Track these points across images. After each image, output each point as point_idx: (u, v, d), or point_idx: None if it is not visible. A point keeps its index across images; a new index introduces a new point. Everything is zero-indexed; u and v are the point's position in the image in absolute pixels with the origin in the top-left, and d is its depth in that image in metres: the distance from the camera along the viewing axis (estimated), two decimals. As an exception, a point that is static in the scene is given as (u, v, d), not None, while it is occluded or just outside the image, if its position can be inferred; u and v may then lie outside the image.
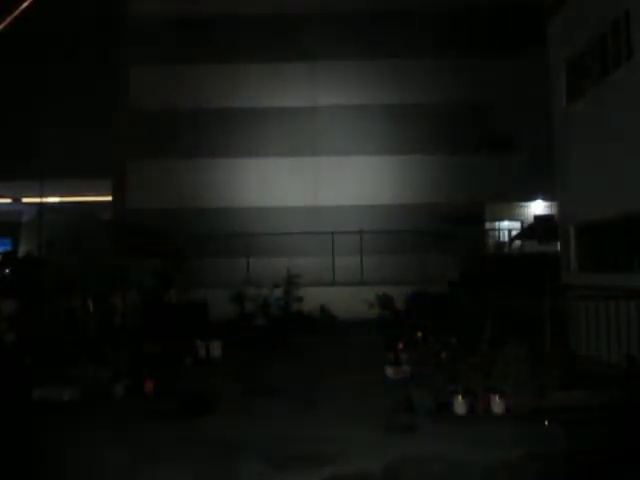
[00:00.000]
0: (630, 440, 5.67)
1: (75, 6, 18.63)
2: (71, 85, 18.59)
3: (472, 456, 5.30)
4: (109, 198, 19.96)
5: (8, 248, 16.96)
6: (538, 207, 19.65)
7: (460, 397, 6.66)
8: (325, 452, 5.45)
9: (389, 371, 8.83)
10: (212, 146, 19.29)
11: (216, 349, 10.83)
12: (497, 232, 20.02)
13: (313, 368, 9.75)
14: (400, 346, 8.91)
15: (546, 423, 6.19)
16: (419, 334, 8.42)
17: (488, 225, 19.46)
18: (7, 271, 10.22)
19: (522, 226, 19.54)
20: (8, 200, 18.30)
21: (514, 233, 19.45)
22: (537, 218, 18.90)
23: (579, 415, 6.34)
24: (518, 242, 19.37)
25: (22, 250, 15.78)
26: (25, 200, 18.46)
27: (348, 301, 16.00)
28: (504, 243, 19.73)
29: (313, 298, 15.91)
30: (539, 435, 5.90)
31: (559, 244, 13.04)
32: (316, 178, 19.36)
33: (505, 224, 19.99)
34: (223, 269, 17.26)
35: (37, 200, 14.17)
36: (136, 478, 5.06)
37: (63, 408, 7.27)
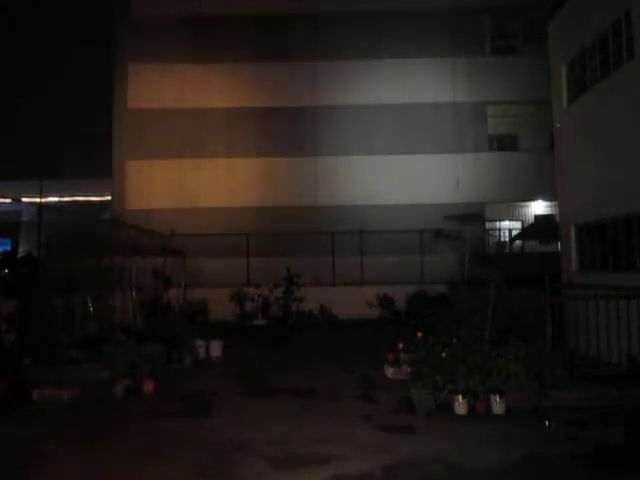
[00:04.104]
0: (630, 439, 5.67)
1: (75, 7, 18.64)
2: (71, 85, 18.61)
3: (472, 456, 5.30)
4: (109, 198, 19.98)
5: (8, 248, 16.93)
6: (538, 207, 19.66)
7: (460, 397, 6.66)
8: (323, 453, 5.45)
9: (389, 371, 8.83)
10: (212, 146, 19.27)
11: (216, 349, 10.83)
12: (497, 232, 20.01)
13: (313, 369, 9.75)
14: (400, 346, 8.90)
15: (546, 423, 6.18)
16: (419, 334, 8.40)
17: (488, 225, 19.44)
18: (7, 271, 10.20)
19: (522, 226, 19.53)
20: (8, 200, 18.29)
21: (514, 233, 19.44)
22: (537, 218, 18.90)
23: (579, 415, 6.34)
24: (519, 242, 19.37)
25: (22, 250, 15.76)
26: (25, 200, 18.47)
27: (348, 301, 15.99)
28: (505, 243, 19.72)
29: (313, 298, 15.90)
30: (539, 435, 5.89)
31: (559, 244, 13.04)
32: (316, 177, 19.32)
33: (505, 224, 19.99)
34: (223, 269, 17.26)
35: (37, 200, 14.16)
36: (136, 478, 5.06)
37: (63, 408, 7.27)
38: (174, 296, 14.39)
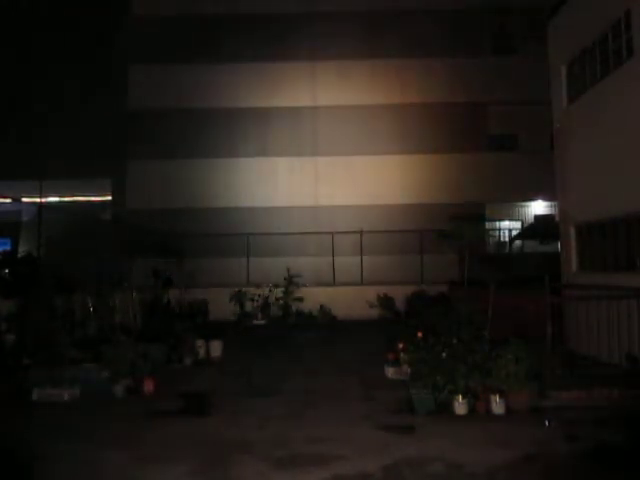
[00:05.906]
0: (630, 439, 5.67)
1: (75, 6, 18.63)
2: (71, 85, 18.59)
3: (472, 456, 5.30)
4: (109, 198, 19.96)
5: (8, 248, 16.92)
6: (538, 207, 19.66)
7: (460, 397, 6.66)
8: (324, 453, 5.45)
9: (389, 371, 8.83)
10: (212, 146, 19.28)
11: (216, 349, 10.83)
12: (497, 232, 20.02)
13: (313, 368, 9.74)
14: (400, 346, 8.89)
15: (546, 423, 6.18)
16: (419, 334, 8.40)
17: (488, 225, 19.45)
18: (7, 271, 10.18)
19: (522, 226, 19.54)
20: (8, 200, 18.27)
21: (514, 233, 19.44)
22: (537, 218, 18.90)
23: (579, 415, 6.34)
24: (518, 242, 19.37)
25: (22, 250, 15.75)
26: (25, 200, 18.46)
27: (348, 301, 15.99)
28: (505, 243, 19.73)
29: (313, 298, 15.89)
30: (539, 435, 5.89)
31: (559, 244, 13.03)
32: (316, 177, 19.33)
33: (505, 224, 20.00)
34: (223, 269, 17.26)
35: (37, 200, 14.18)
36: (136, 478, 5.06)
37: (63, 408, 7.27)
38: (174, 296, 14.38)
